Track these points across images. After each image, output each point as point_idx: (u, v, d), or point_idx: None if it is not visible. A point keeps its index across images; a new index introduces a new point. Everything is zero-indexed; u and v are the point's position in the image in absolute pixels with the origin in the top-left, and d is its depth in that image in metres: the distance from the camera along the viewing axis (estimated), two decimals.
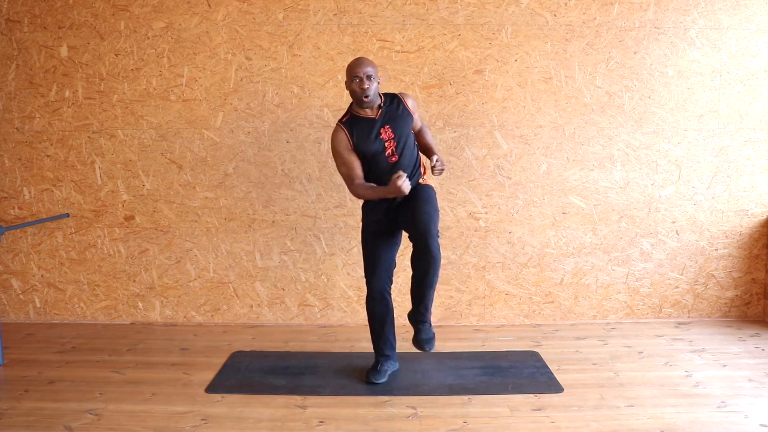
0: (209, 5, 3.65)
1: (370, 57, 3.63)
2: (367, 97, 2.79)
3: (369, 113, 2.86)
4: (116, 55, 3.70)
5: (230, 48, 3.67)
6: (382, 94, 2.93)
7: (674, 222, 3.79)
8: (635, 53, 3.66)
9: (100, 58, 3.71)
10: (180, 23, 3.66)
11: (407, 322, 3.83)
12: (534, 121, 3.70)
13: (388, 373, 2.97)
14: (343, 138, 2.84)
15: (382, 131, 2.82)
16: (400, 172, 2.66)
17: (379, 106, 2.86)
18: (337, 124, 2.88)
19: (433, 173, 2.88)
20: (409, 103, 2.93)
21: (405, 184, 2.63)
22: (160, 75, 3.71)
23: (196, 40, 3.67)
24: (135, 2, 3.66)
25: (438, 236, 2.72)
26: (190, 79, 3.70)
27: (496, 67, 3.66)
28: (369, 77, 2.78)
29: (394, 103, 2.90)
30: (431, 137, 3.12)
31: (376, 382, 2.89)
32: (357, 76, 2.78)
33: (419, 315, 2.85)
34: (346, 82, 2.87)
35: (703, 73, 3.68)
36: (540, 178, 3.74)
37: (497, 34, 3.64)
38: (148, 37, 3.68)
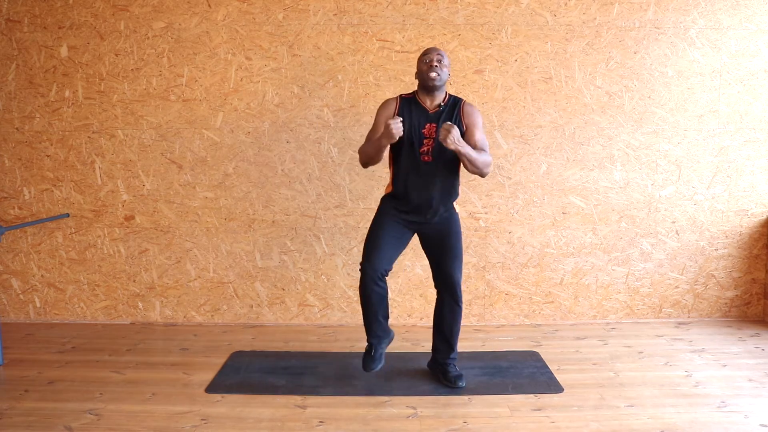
0: (209, 5, 3.65)
1: (370, 57, 3.63)
2: (435, 75, 2.70)
3: (427, 103, 2.79)
4: (116, 55, 3.70)
5: (230, 48, 3.67)
6: (450, 95, 2.83)
7: (674, 222, 3.79)
8: (635, 53, 3.66)
9: (100, 58, 3.71)
10: (180, 23, 3.66)
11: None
12: (534, 121, 3.70)
13: (383, 354, 2.87)
14: (392, 107, 2.82)
15: (427, 126, 2.75)
16: (397, 118, 2.63)
17: (439, 105, 2.78)
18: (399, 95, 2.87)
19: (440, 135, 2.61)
20: (466, 115, 2.77)
21: (396, 126, 2.59)
22: (160, 75, 3.71)
23: (196, 40, 3.67)
24: (135, 2, 3.66)
25: (461, 280, 2.88)
26: (190, 79, 3.70)
27: (496, 67, 3.66)
28: (440, 61, 2.73)
29: (455, 109, 2.78)
30: (484, 154, 2.73)
31: (374, 369, 2.82)
32: (428, 57, 2.74)
33: (446, 357, 2.93)
34: (416, 73, 2.81)
35: (703, 73, 3.68)
36: (540, 178, 3.74)
37: (497, 34, 3.64)
38: (148, 37, 3.68)
